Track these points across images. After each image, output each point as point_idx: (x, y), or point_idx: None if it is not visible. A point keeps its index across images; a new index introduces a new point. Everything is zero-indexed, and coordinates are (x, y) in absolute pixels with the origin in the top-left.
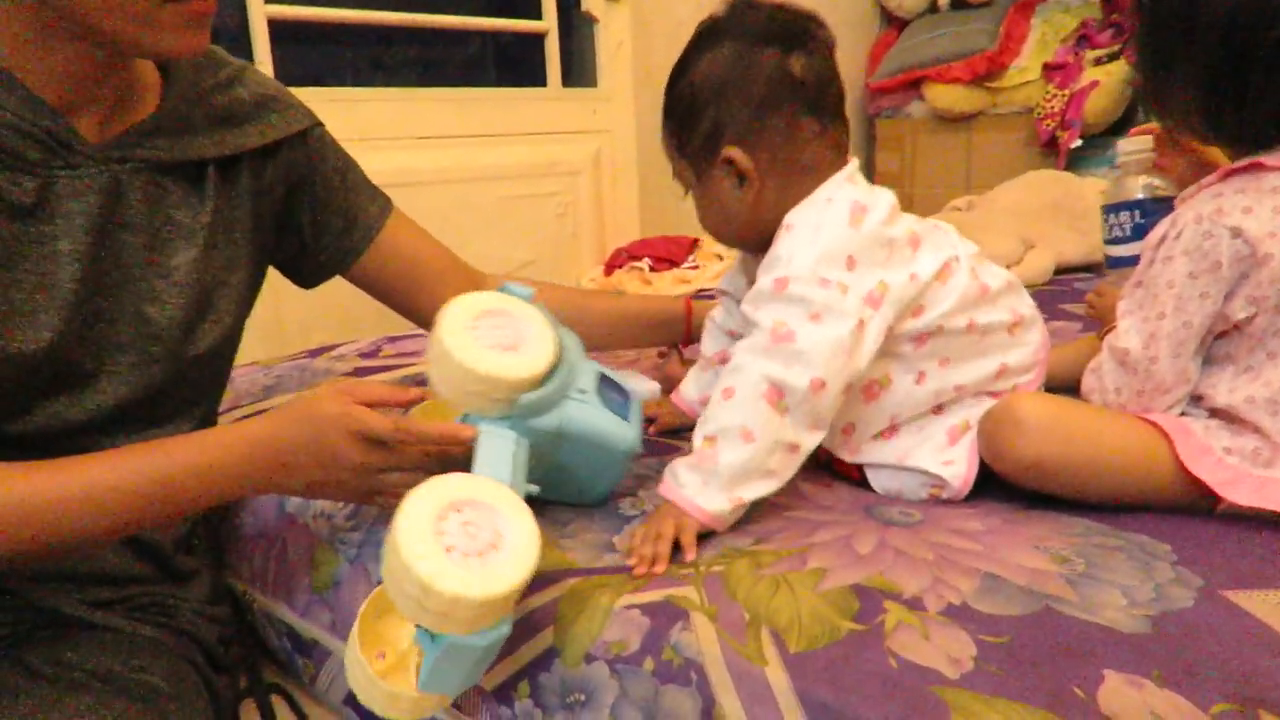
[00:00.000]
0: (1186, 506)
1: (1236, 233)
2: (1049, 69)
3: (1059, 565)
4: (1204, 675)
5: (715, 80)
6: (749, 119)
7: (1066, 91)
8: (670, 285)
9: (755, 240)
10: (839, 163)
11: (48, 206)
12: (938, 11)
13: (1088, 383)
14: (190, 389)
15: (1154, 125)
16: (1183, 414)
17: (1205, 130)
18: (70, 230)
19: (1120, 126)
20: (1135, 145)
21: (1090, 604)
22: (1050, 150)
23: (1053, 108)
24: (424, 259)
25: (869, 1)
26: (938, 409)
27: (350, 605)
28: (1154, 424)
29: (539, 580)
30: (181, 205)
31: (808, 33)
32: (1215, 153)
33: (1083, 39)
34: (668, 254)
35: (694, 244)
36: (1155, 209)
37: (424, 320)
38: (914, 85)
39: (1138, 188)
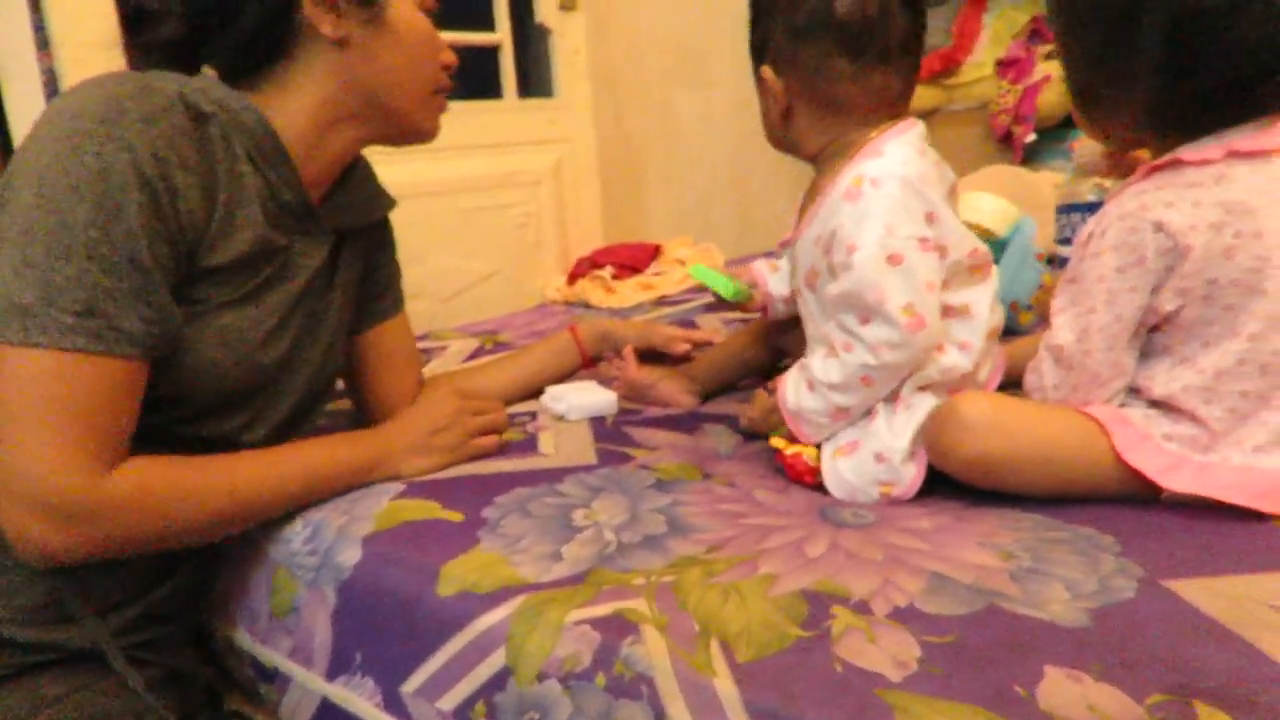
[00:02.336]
0: (1131, 496)
1: (1159, 227)
2: (1002, 65)
3: (1005, 561)
4: (1142, 666)
5: (767, 2)
6: (784, 44)
7: (1020, 86)
8: (634, 292)
9: (804, 154)
10: (884, 109)
11: (291, 260)
12: None
13: (1029, 381)
14: (315, 410)
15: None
16: (1122, 405)
17: (1146, 124)
18: (302, 278)
19: (1072, 120)
20: (1089, 148)
21: (1034, 599)
22: (1006, 145)
23: (1007, 103)
24: (400, 359)
25: None
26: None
27: (310, 630)
28: (1092, 416)
29: (490, 599)
30: (343, 266)
31: None
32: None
33: (1035, 34)
34: (630, 261)
35: (657, 251)
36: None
37: (363, 404)
38: None
39: (1088, 190)
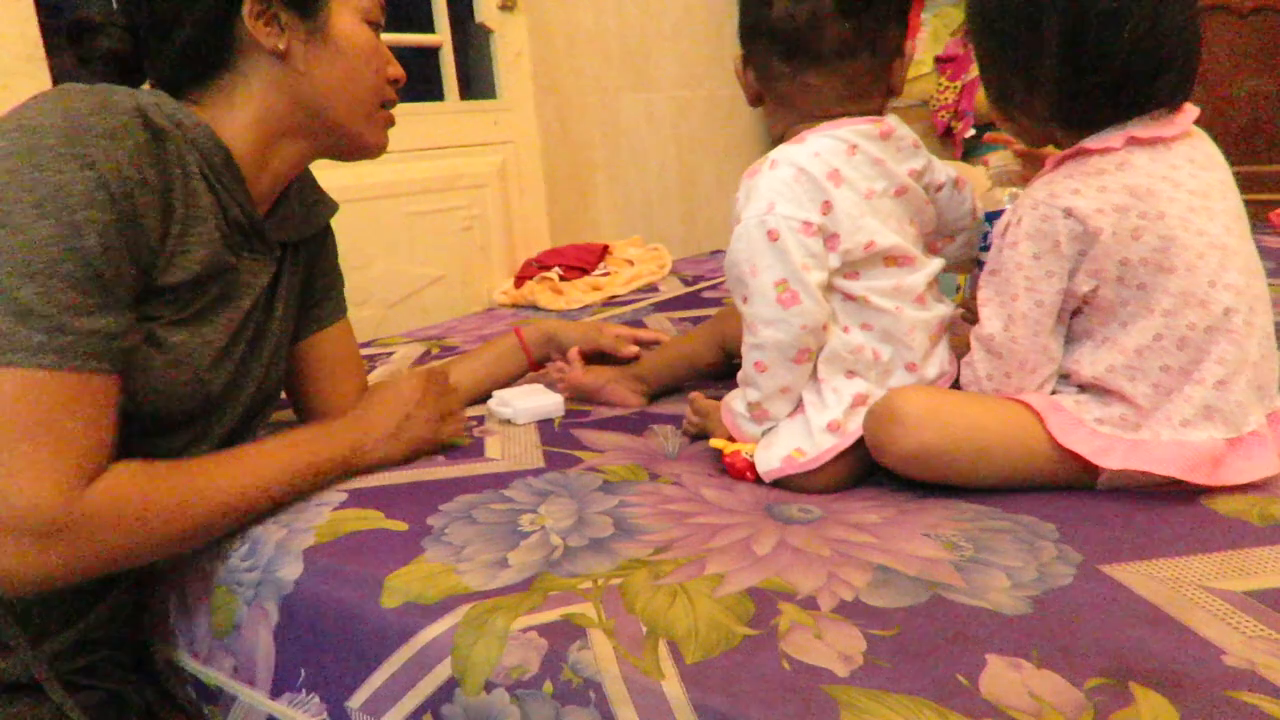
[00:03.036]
0: (1070, 481)
1: (1069, 212)
2: (940, 62)
3: (949, 552)
4: (1080, 651)
5: (740, 6)
6: (744, 45)
7: (958, 83)
8: (582, 293)
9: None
10: (829, 107)
11: (239, 279)
12: None
13: (964, 375)
14: (260, 421)
15: (1010, 140)
16: (1054, 392)
17: (1051, 118)
18: (249, 297)
19: None
20: (1002, 159)
21: (976, 589)
22: (947, 140)
23: (946, 99)
24: (342, 365)
25: None
26: (849, 374)
27: (252, 648)
28: (1026, 404)
29: (435, 610)
30: (286, 276)
31: None
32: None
33: (970, 31)
34: (578, 262)
35: (605, 251)
36: None
37: (306, 411)
38: None
39: (1005, 197)
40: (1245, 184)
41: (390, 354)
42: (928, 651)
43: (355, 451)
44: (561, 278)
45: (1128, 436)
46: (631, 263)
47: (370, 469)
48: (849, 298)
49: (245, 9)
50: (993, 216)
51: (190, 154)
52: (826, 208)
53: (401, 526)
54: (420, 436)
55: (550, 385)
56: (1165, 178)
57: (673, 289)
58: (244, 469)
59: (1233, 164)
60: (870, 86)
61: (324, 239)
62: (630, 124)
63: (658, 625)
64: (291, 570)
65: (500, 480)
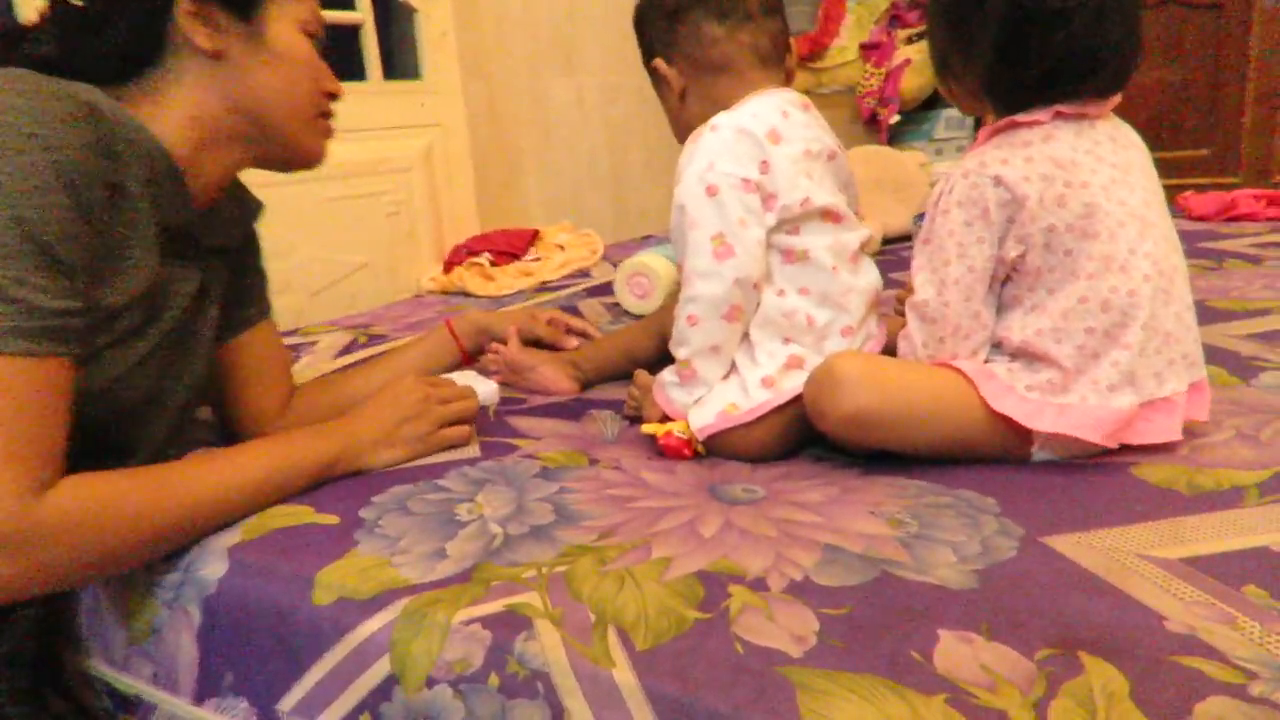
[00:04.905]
0: (1006, 450)
1: (997, 181)
2: (865, 49)
3: (894, 529)
4: (1028, 623)
5: (643, 3)
6: (665, 31)
7: (883, 70)
8: (513, 278)
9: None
10: (760, 68)
11: (169, 289)
12: None
13: (901, 347)
14: (187, 428)
15: None
16: (987, 361)
17: (984, 94)
18: (178, 307)
19: (934, 102)
20: (945, 165)
21: (923, 564)
22: (872, 126)
23: (871, 85)
24: (269, 367)
25: None
26: (785, 340)
27: (174, 652)
28: (959, 370)
29: (371, 604)
30: (213, 281)
31: None
32: None
33: (894, 19)
34: (508, 247)
35: (534, 236)
36: None
37: (230, 416)
38: None
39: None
40: (1163, 170)
41: (314, 344)
42: (880, 629)
43: (345, 453)
44: (492, 263)
45: (1056, 400)
46: (562, 248)
47: (361, 472)
48: (789, 257)
49: (180, 7)
50: (922, 217)
51: (134, 158)
52: (765, 167)
53: (332, 520)
54: (419, 439)
55: (484, 372)
56: (1089, 151)
57: (605, 274)
58: (226, 473)
59: (1150, 149)
60: (783, 52)
61: (249, 237)
62: (559, 108)
63: (606, 612)
64: (215, 569)
65: (434, 470)
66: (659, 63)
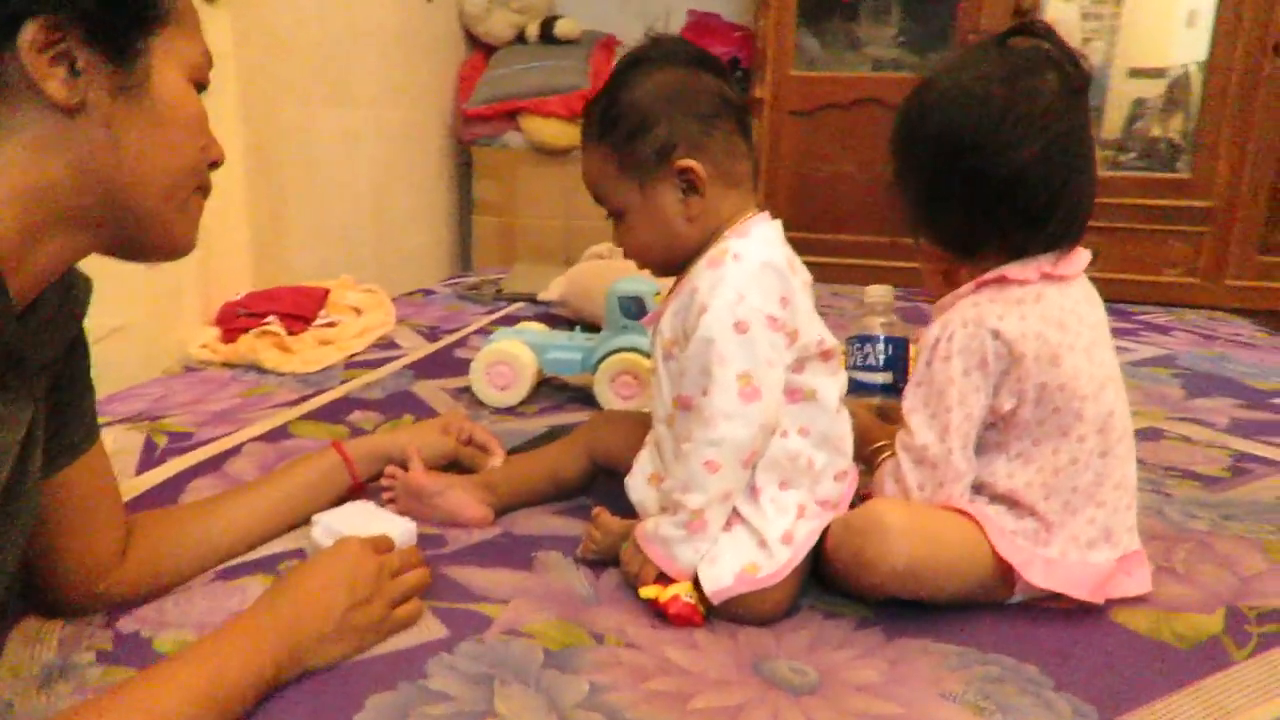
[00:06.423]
0: (991, 593)
1: (996, 334)
2: None
3: (977, 716)
4: None
5: (666, 96)
6: (699, 132)
7: None
8: (315, 349)
9: (685, 255)
10: (752, 185)
11: None
12: (525, 43)
13: (887, 487)
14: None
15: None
16: (970, 502)
17: (938, 243)
18: (8, 457)
19: None
20: (879, 292)
21: None
22: None
23: None
24: (100, 505)
25: (454, 24)
26: (783, 484)
27: None
28: (967, 514)
29: None
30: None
31: (723, 65)
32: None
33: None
34: (296, 308)
35: (325, 296)
36: (897, 341)
37: (45, 570)
38: (510, 116)
39: (878, 325)
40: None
41: None
42: None
43: (289, 659)
44: (289, 331)
45: (1040, 551)
46: (359, 311)
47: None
48: (795, 396)
49: (25, 36)
50: (865, 340)
51: None
52: (784, 303)
53: None
54: (372, 628)
55: (381, 503)
56: (1072, 311)
57: (415, 344)
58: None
59: (824, 232)
60: None
61: (76, 335)
62: (328, 143)
63: None
64: None
65: (408, 662)
66: (691, 163)
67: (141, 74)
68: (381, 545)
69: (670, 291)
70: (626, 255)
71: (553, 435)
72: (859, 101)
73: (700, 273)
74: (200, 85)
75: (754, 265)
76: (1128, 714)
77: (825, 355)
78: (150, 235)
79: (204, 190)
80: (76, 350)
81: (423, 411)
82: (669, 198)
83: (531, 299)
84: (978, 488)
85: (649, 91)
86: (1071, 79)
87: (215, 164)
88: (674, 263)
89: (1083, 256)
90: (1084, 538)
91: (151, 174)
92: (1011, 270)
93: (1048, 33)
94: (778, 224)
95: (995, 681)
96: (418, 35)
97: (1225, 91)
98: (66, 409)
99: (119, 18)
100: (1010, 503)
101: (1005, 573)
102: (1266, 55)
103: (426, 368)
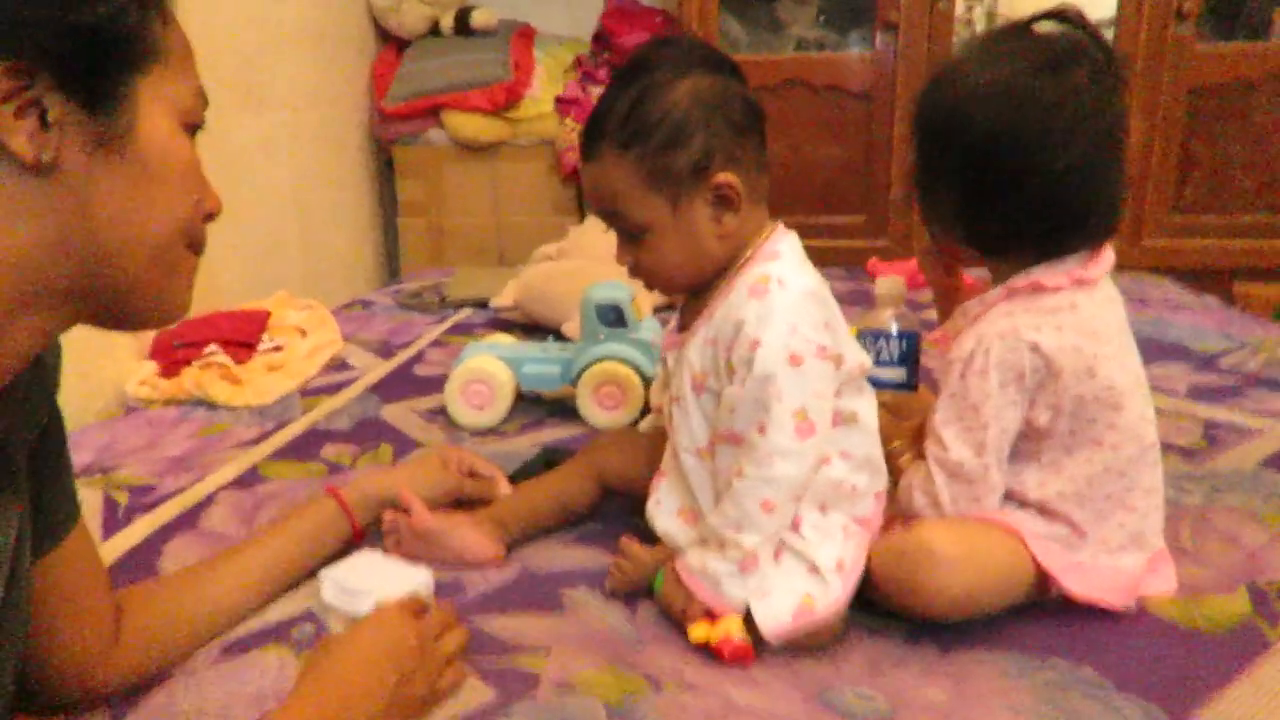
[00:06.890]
0: (1024, 601)
1: (1034, 348)
2: (561, 102)
3: None
4: None
5: (704, 104)
6: (733, 144)
7: (582, 125)
8: (267, 378)
9: (711, 276)
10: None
11: None
12: (440, 35)
13: (917, 500)
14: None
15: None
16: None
17: (968, 242)
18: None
19: None
20: (888, 285)
21: None
22: (573, 181)
23: (572, 140)
24: (86, 586)
25: (364, 18)
26: (823, 507)
27: None
28: (1007, 527)
29: None
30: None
31: (740, 70)
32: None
33: (585, 75)
34: (236, 334)
35: (267, 317)
36: (909, 336)
37: (35, 660)
38: (431, 112)
39: (890, 319)
40: (828, 232)
41: None
42: None
43: None
44: (237, 361)
45: (1071, 557)
46: (304, 332)
47: None
48: (835, 420)
49: None
50: (878, 335)
51: None
52: (829, 328)
53: None
54: (421, 701)
55: (387, 551)
56: (1100, 317)
57: (368, 363)
58: None
59: (818, 214)
60: None
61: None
62: (244, 152)
63: None
64: None
65: None
66: (730, 178)
67: (125, 123)
68: (417, 608)
69: (679, 319)
70: (637, 275)
71: (548, 457)
72: (785, 83)
73: (742, 303)
74: (193, 128)
75: (798, 293)
76: (1195, 712)
77: (859, 375)
78: (137, 305)
79: (196, 248)
80: (51, 423)
81: (397, 439)
82: (701, 214)
83: (481, 305)
84: (1007, 495)
85: (683, 99)
86: (1108, 70)
87: (210, 216)
88: (698, 285)
89: (1109, 257)
90: (1113, 542)
91: (137, 238)
92: (1045, 276)
93: (1079, 20)
94: (795, 236)
95: (1058, 688)
96: (327, 32)
97: (1133, 54)
98: (46, 488)
99: (98, 59)
100: (1041, 509)
101: (1043, 580)
102: (1171, 17)
103: (389, 389)
